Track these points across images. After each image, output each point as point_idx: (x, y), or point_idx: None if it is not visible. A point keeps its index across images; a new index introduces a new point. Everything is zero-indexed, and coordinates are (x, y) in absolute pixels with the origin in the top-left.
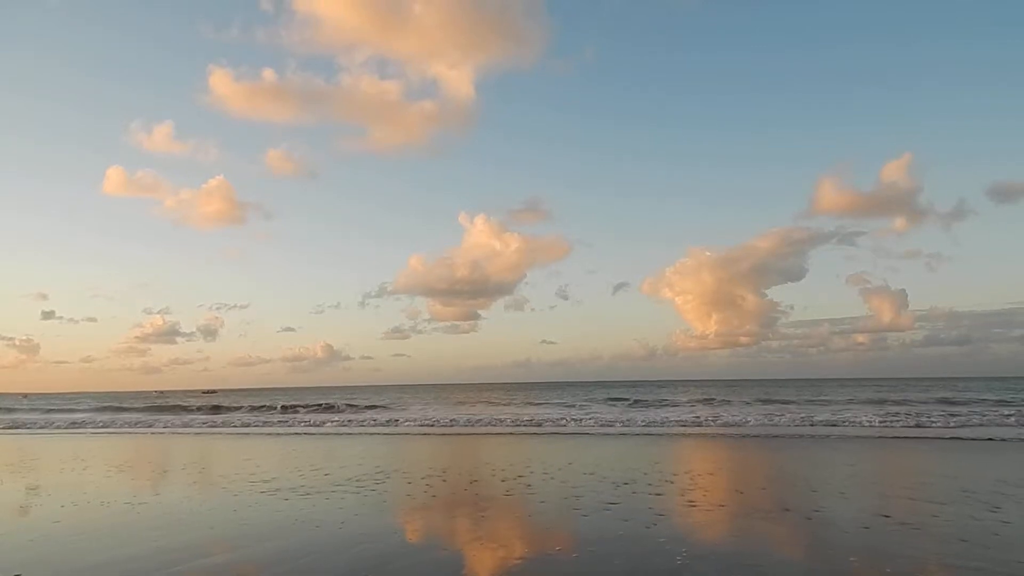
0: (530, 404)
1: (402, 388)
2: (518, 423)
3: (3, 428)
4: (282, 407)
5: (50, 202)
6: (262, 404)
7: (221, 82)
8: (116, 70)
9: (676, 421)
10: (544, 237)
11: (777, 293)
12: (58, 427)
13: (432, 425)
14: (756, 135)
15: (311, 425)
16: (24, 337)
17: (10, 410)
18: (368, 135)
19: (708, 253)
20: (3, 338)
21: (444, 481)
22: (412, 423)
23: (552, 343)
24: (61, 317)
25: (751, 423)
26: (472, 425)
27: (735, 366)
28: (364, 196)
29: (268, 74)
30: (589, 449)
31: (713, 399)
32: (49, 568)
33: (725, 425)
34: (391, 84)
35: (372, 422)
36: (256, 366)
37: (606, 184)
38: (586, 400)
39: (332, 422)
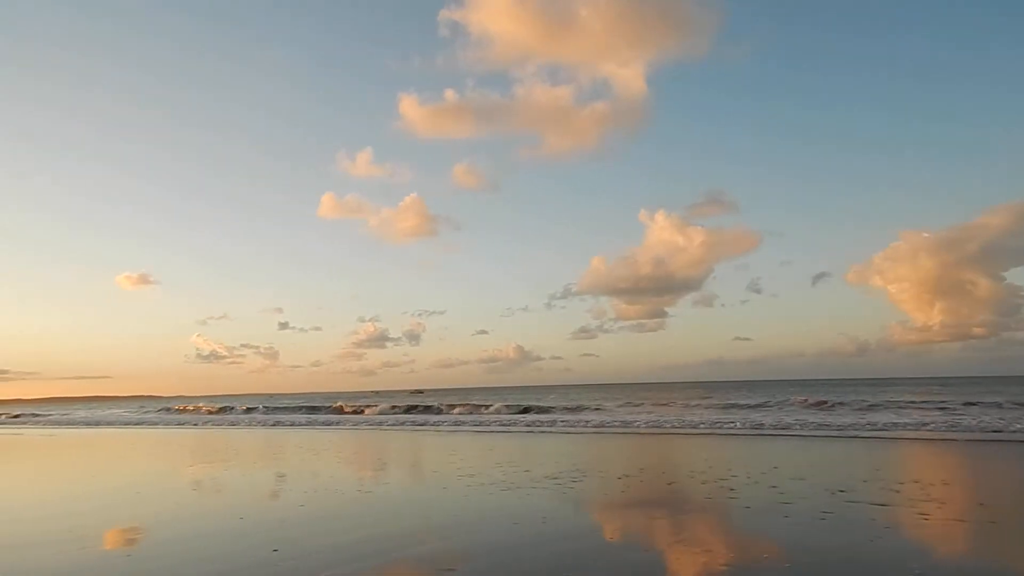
0: (726, 404)
1: (592, 387)
2: (714, 424)
3: (253, 424)
4: (447, 406)
5: (280, 227)
6: (466, 403)
7: (409, 107)
8: (326, 106)
9: (898, 423)
10: (730, 229)
11: (1020, 276)
12: (292, 424)
13: (626, 425)
14: (963, 112)
15: (509, 424)
16: (267, 345)
17: (269, 409)
18: (544, 142)
19: (925, 235)
20: (251, 347)
21: (641, 481)
22: (605, 422)
23: (746, 339)
24: (294, 327)
25: (993, 425)
26: (665, 425)
27: (968, 361)
28: (543, 201)
29: (449, 94)
30: (796, 452)
31: (941, 398)
32: (299, 546)
33: (959, 428)
34: (563, 90)
35: (568, 423)
36: (456, 367)
37: (793, 170)
38: (787, 400)
39: (526, 422)
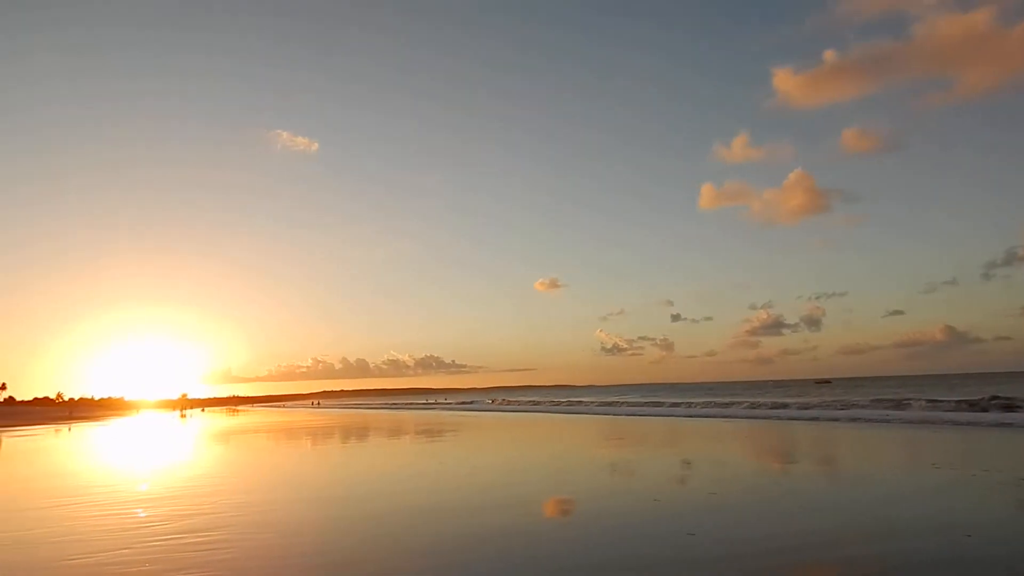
0: None
1: None
2: None
3: (636, 413)
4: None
5: (664, 224)
6: (879, 397)
7: (783, 80)
8: (695, 100)
9: None
10: None
11: None
12: (699, 415)
13: None
14: None
15: (954, 423)
16: (662, 337)
17: (688, 403)
18: (957, 82)
19: None
20: (647, 339)
21: None
22: None
23: None
24: (685, 319)
25: None
26: None
27: None
28: (964, 152)
29: (828, 56)
30: None
31: None
32: (714, 533)
33: None
34: (980, 14)
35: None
36: (866, 353)
37: None
38: None
39: (966, 419)
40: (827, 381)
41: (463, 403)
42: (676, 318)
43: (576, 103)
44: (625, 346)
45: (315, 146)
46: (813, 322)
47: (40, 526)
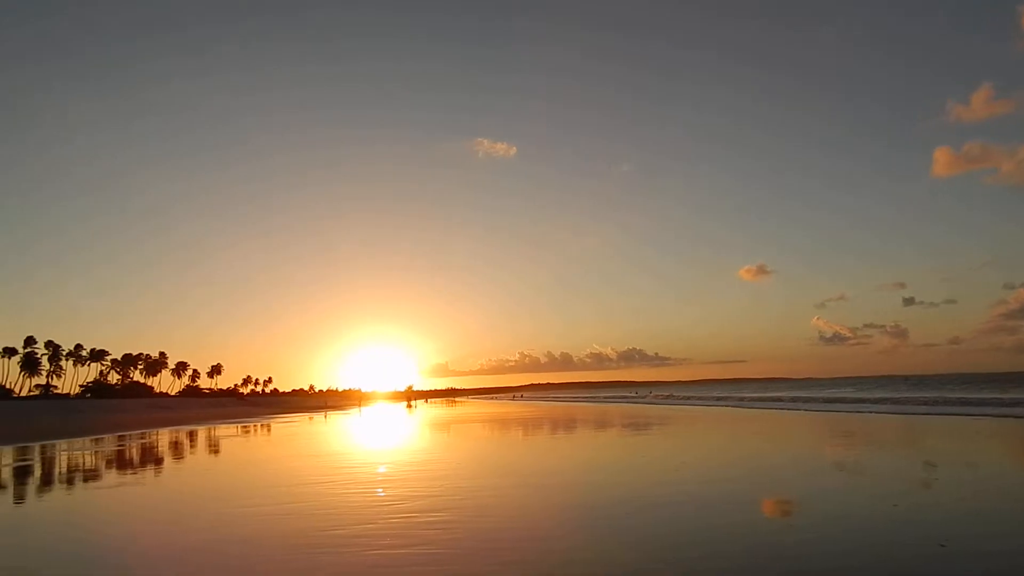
0: None
1: None
2: None
3: (883, 411)
4: None
5: (890, 198)
6: None
7: None
8: (921, 54)
9: None
10: None
11: None
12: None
13: None
14: None
15: None
16: (892, 324)
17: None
18: None
19: None
20: (874, 326)
21: None
22: None
23: None
24: (921, 302)
25: None
26: None
27: None
28: None
29: None
30: None
31: None
32: (968, 545)
33: None
34: None
35: None
36: None
37: None
38: None
39: None
40: None
41: (629, 396)
42: (909, 302)
43: (780, 56)
44: (848, 335)
45: (513, 150)
46: None
47: (303, 500)
